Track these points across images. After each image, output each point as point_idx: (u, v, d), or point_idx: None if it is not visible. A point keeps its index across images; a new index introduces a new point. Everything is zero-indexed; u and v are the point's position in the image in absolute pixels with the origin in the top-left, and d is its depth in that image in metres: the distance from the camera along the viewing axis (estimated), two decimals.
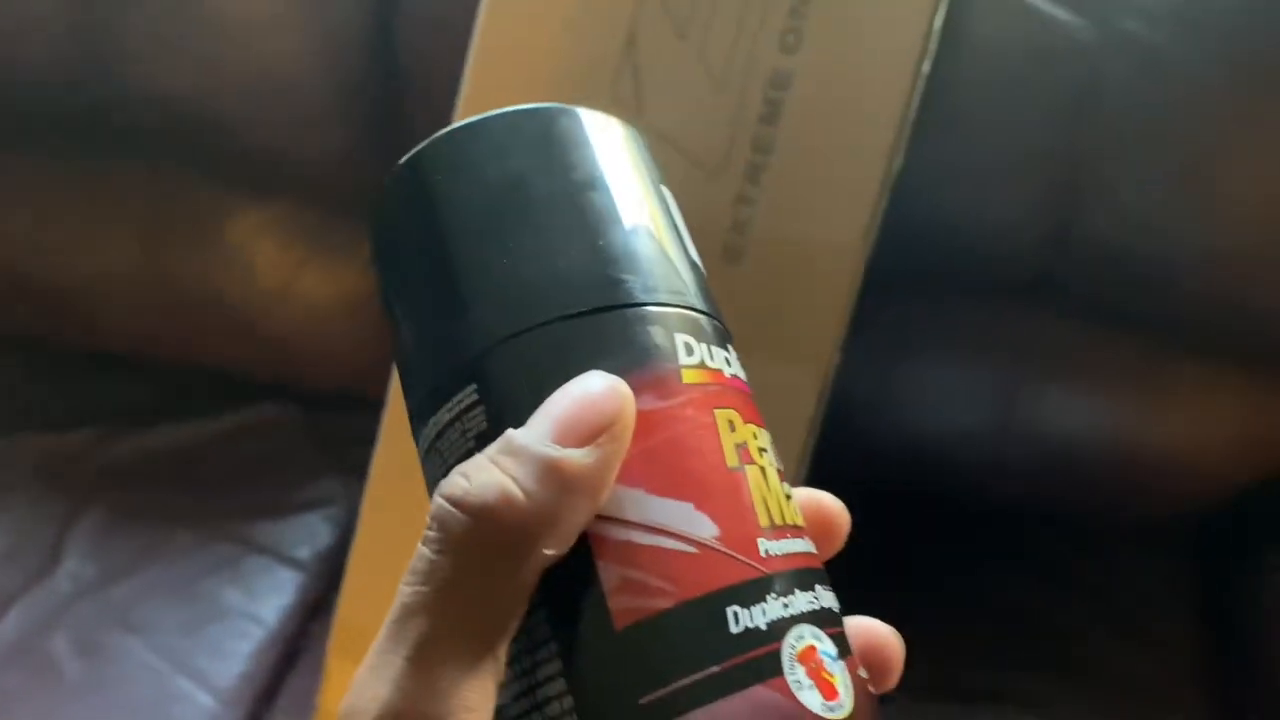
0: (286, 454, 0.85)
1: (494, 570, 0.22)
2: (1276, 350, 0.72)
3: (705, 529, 0.23)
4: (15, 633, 0.72)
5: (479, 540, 0.22)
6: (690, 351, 0.25)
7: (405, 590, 0.22)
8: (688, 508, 0.23)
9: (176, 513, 0.80)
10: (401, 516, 0.61)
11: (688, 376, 0.25)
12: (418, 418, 0.26)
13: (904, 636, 0.27)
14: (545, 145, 0.27)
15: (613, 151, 0.28)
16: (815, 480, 0.36)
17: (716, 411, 0.25)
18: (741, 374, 0.27)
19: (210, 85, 0.77)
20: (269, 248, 0.83)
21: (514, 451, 0.23)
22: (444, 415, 0.25)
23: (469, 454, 0.24)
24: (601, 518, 0.23)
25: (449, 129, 0.27)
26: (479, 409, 0.24)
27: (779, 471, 0.26)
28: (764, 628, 0.23)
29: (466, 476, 0.22)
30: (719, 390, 0.25)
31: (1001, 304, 0.75)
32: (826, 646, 0.24)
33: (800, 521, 0.26)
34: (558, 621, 0.23)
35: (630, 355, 0.24)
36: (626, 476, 0.23)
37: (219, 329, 0.85)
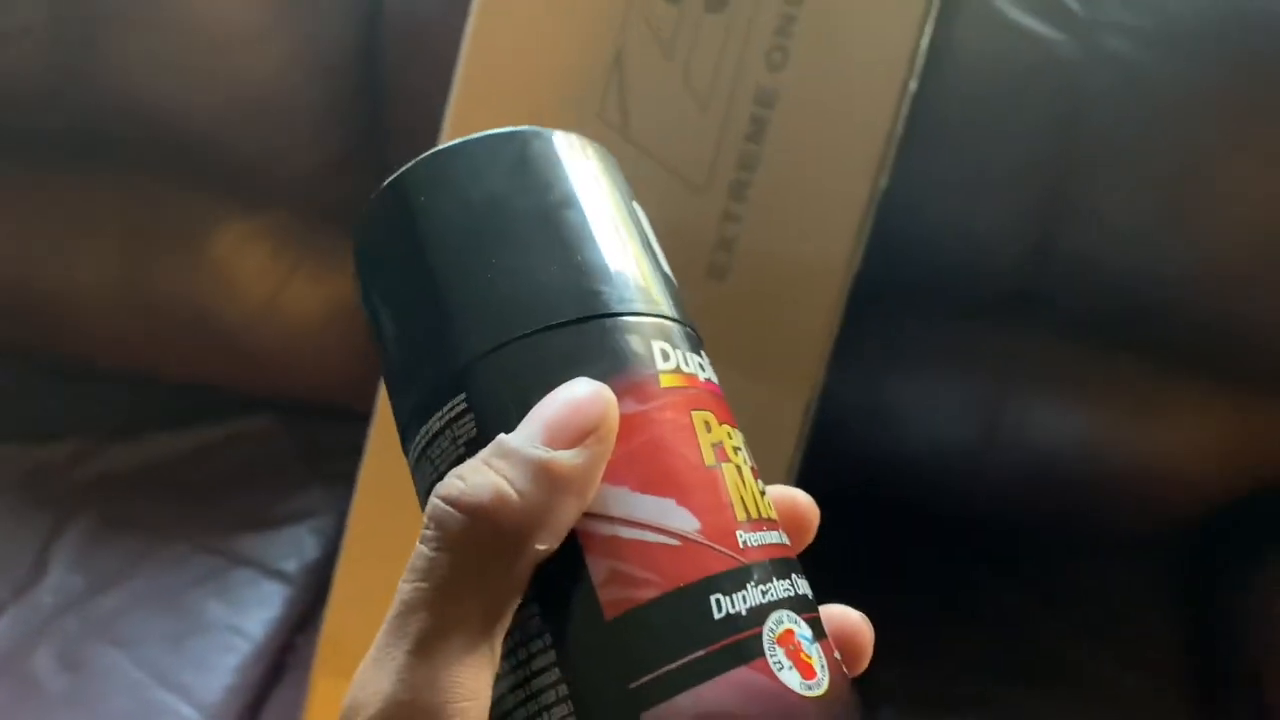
0: (272, 466, 0.84)
1: (490, 566, 0.23)
2: (1260, 364, 0.72)
3: (687, 523, 0.24)
4: None
5: (475, 538, 0.23)
6: (666, 358, 0.26)
7: (405, 587, 0.23)
8: (670, 503, 0.24)
9: (161, 525, 0.79)
10: (389, 528, 0.61)
11: (665, 381, 0.26)
12: (407, 427, 0.28)
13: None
14: (522, 167, 0.28)
15: (586, 171, 0.29)
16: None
17: (693, 413, 0.26)
18: (714, 378, 0.28)
19: (194, 98, 0.77)
20: (253, 260, 0.83)
21: (506, 454, 0.24)
22: (434, 424, 0.26)
23: (460, 459, 0.25)
24: (589, 515, 0.24)
25: (430, 152, 0.28)
26: (468, 417, 0.26)
27: (753, 469, 0.27)
28: (745, 613, 0.24)
29: (462, 478, 0.24)
30: (695, 394, 0.26)
31: (987, 318, 0.75)
32: (804, 630, 0.25)
33: (774, 515, 0.27)
34: (550, 614, 0.24)
35: (610, 362, 0.26)
36: (612, 476, 0.24)
37: (203, 342, 0.85)
